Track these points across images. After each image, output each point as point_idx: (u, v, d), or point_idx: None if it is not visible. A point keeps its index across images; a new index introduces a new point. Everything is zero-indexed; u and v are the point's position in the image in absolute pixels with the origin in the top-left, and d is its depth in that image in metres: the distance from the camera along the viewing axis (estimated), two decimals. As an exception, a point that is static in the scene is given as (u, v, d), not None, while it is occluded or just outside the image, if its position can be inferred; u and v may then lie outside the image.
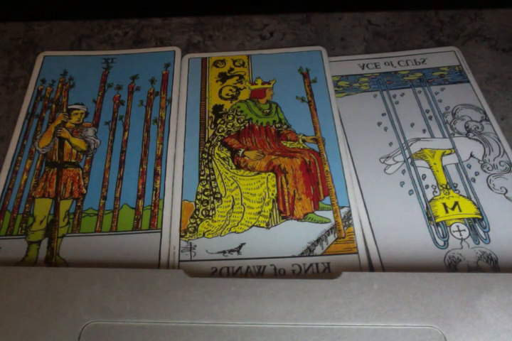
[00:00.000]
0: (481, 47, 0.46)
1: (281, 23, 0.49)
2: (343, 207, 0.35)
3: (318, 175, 0.37)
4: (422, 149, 0.38)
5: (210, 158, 0.38)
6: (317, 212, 0.35)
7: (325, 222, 0.34)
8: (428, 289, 0.27)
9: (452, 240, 0.33)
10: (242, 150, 0.38)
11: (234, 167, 0.37)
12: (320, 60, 0.44)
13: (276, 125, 0.40)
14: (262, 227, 0.34)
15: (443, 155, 0.37)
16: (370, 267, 0.32)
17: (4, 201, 0.35)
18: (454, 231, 0.33)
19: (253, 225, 0.34)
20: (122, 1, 0.49)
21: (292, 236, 0.33)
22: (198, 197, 0.36)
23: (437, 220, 0.34)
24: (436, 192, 0.35)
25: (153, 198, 0.35)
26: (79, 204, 0.35)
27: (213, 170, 0.37)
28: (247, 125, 0.40)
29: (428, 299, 0.27)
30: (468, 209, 0.34)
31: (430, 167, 0.37)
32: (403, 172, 0.37)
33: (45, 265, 0.32)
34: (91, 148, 0.39)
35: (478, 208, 0.34)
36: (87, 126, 0.40)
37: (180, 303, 0.27)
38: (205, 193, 0.36)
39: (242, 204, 0.35)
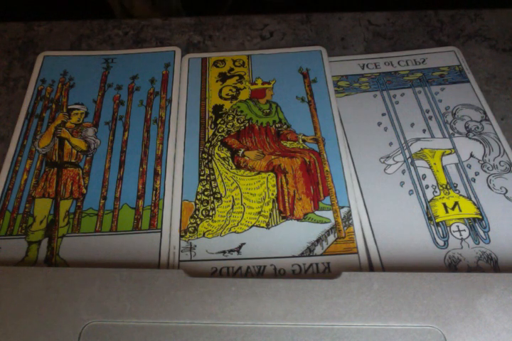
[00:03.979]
0: (481, 47, 0.46)
1: (281, 23, 0.49)
2: (343, 207, 0.35)
3: (318, 175, 0.37)
4: (422, 149, 0.38)
5: (210, 158, 0.38)
6: (317, 212, 0.35)
7: (325, 222, 0.34)
8: (428, 289, 0.27)
9: (452, 240, 0.33)
10: (242, 150, 0.38)
11: (234, 167, 0.37)
12: (320, 60, 0.44)
13: (276, 125, 0.40)
14: (262, 227, 0.34)
15: (443, 155, 0.37)
16: (370, 267, 0.32)
17: (4, 201, 0.35)
18: (454, 231, 0.33)
19: (253, 225, 0.34)
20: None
21: (292, 236, 0.33)
22: (198, 197, 0.36)
23: (437, 220, 0.34)
24: (436, 192, 0.35)
25: (153, 198, 0.35)
26: (79, 204, 0.35)
27: (213, 170, 0.37)
28: (247, 125, 0.40)
29: (428, 299, 0.27)
30: (468, 209, 0.34)
31: (430, 167, 0.37)
32: (403, 172, 0.37)
33: (45, 265, 0.32)
34: (91, 148, 0.39)
35: (478, 208, 0.34)
36: (87, 126, 0.40)
37: (180, 303, 0.27)
38: (205, 193, 0.36)
39: (242, 204, 0.35)
